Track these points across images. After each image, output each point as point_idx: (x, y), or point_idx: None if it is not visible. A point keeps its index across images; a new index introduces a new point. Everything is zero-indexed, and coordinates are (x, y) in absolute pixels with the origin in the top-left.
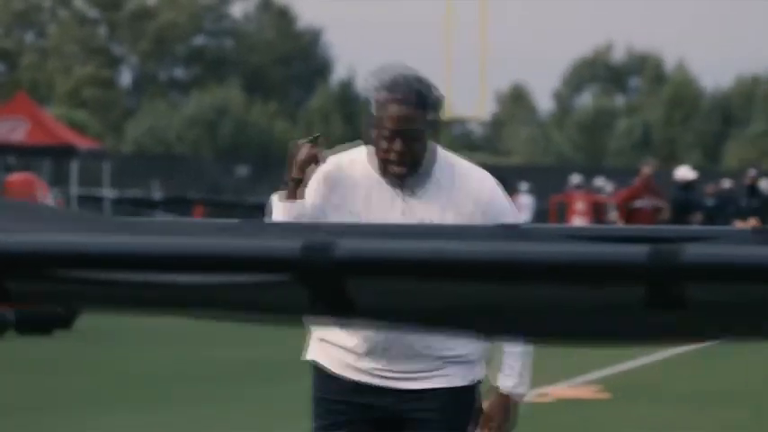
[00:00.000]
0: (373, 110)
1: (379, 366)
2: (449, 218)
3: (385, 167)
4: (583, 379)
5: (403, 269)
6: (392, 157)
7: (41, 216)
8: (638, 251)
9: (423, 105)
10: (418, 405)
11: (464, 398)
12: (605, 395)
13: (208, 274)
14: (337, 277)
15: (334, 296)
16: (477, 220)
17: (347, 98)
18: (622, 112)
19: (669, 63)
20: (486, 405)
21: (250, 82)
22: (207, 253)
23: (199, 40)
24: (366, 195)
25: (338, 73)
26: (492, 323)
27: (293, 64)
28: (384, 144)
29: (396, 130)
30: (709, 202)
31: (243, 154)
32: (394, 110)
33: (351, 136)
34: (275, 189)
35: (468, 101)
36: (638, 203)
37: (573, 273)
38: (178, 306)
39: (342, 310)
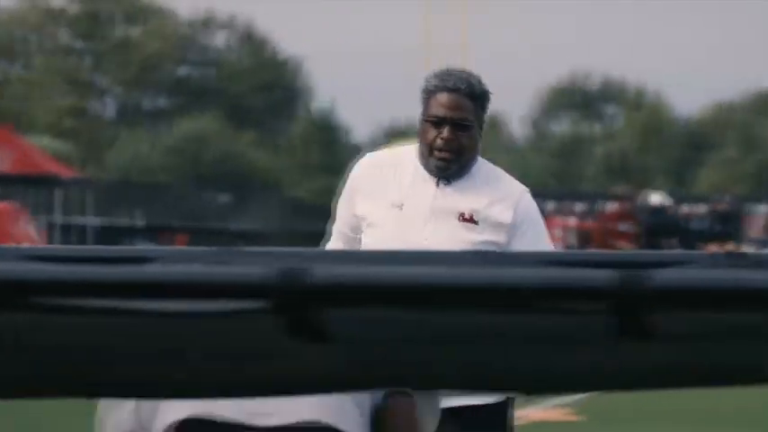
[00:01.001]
0: (423, 102)
1: None
2: (479, 212)
3: (429, 154)
4: (555, 402)
5: (375, 295)
6: (438, 143)
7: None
8: (606, 275)
9: (472, 96)
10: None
11: (492, 416)
12: (579, 417)
13: (185, 301)
14: (312, 304)
15: (309, 323)
16: (506, 225)
17: (327, 127)
18: (598, 138)
19: (644, 90)
20: None
21: (231, 111)
22: (183, 280)
23: (182, 71)
24: (403, 182)
25: (318, 102)
26: (457, 354)
27: (274, 93)
28: (432, 132)
29: (444, 117)
30: (695, 224)
31: (224, 182)
32: (442, 97)
33: (330, 164)
34: (255, 216)
35: None
36: (621, 227)
37: (541, 297)
38: (155, 332)
39: (317, 338)
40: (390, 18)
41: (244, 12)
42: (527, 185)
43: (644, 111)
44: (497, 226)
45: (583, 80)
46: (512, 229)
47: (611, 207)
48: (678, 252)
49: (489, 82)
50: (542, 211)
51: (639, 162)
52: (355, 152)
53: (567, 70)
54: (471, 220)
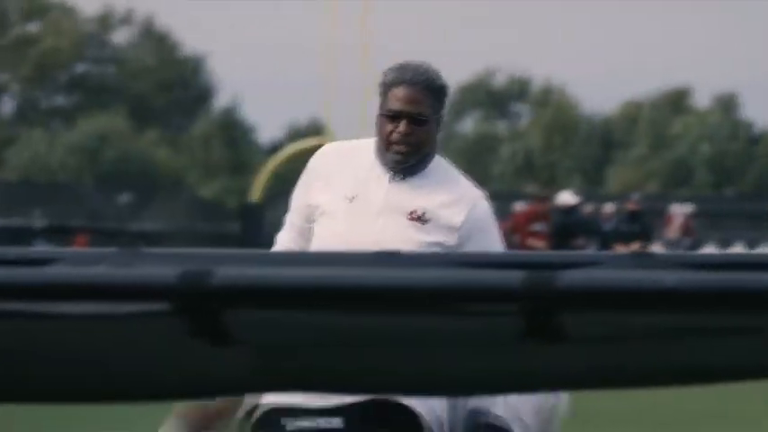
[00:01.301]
0: (381, 96)
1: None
2: (429, 212)
3: (386, 149)
4: None
5: (279, 298)
6: (394, 137)
7: None
8: (514, 276)
9: (430, 90)
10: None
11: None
12: None
13: (84, 303)
14: (215, 306)
15: (212, 327)
16: (456, 229)
17: (230, 125)
18: (505, 137)
19: (550, 88)
20: None
21: (133, 109)
22: (82, 282)
23: (81, 68)
24: (358, 175)
25: (221, 100)
26: (362, 357)
27: (175, 91)
28: (389, 126)
29: (401, 110)
30: (606, 224)
31: (125, 181)
32: (399, 90)
33: (233, 162)
34: (158, 216)
35: (351, 126)
36: (536, 227)
37: (446, 299)
38: (56, 337)
39: (219, 341)
40: (295, 15)
41: (143, 7)
42: None
43: (550, 109)
44: (447, 228)
45: (489, 78)
46: (462, 233)
47: (524, 207)
48: (586, 253)
49: None
50: None
51: (548, 161)
52: (259, 151)
53: (473, 69)
54: (420, 219)
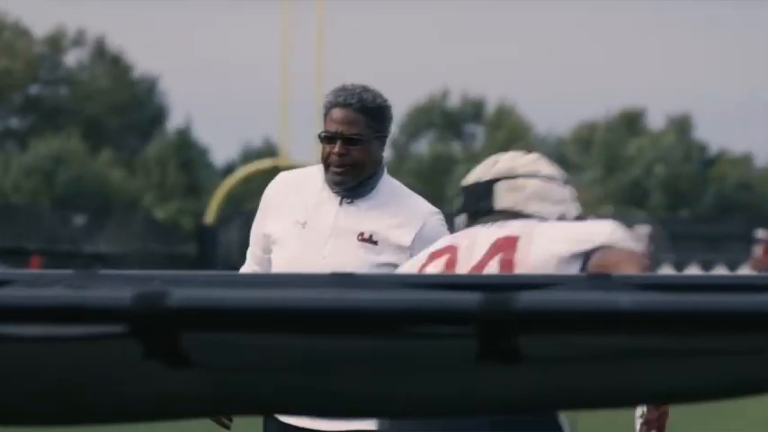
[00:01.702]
0: (323, 120)
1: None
2: (378, 233)
3: (326, 170)
4: None
5: (235, 319)
6: (331, 159)
7: None
8: (470, 298)
9: (364, 110)
10: None
11: None
12: None
13: (39, 325)
14: (171, 328)
15: (168, 348)
16: (406, 248)
17: (184, 145)
18: (460, 158)
19: (504, 108)
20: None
21: (87, 131)
22: (37, 304)
23: (34, 89)
24: (309, 201)
25: (174, 120)
26: (318, 379)
27: (129, 112)
28: (327, 148)
29: (335, 132)
30: None
31: (80, 203)
32: (335, 112)
33: (188, 183)
34: (112, 238)
35: (304, 147)
36: None
37: (402, 320)
38: (10, 357)
39: (176, 362)
40: (248, 35)
41: (95, 27)
42: None
43: (504, 130)
44: (397, 247)
45: (443, 99)
46: (412, 252)
47: None
48: (542, 274)
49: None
50: None
51: None
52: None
53: (427, 90)
54: (370, 241)
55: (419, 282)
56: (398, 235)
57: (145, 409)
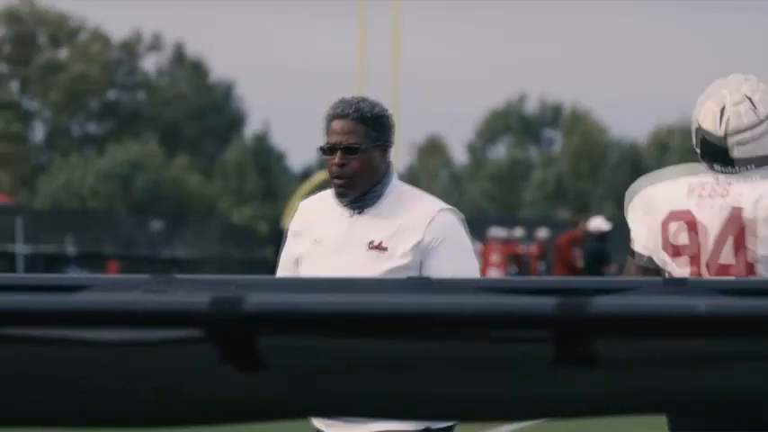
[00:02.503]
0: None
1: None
2: (392, 239)
3: (332, 183)
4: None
5: (310, 323)
6: (333, 170)
7: None
8: (546, 302)
9: (361, 120)
10: None
11: None
12: None
13: (117, 329)
14: (247, 332)
15: (243, 352)
16: (416, 248)
17: (262, 151)
18: (537, 163)
19: (577, 113)
20: None
21: (165, 136)
22: (115, 309)
23: (111, 95)
24: (324, 219)
25: (252, 126)
26: (395, 382)
27: (207, 117)
28: (329, 161)
29: (334, 143)
30: None
31: (157, 208)
32: (334, 124)
33: (266, 188)
34: (190, 243)
35: None
36: (576, 251)
37: (478, 324)
38: (87, 362)
39: (251, 366)
40: (325, 40)
41: (172, 32)
42: (465, 212)
43: (579, 134)
44: (407, 251)
45: (520, 104)
46: (424, 249)
47: (546, 234)
48: (619, 278)
49: (426, 106)
50: (482, 237)
51: (579, 186)
52: (290, 177)
53: (503, 95)
54: (380, 248)
55: (494, 286)
56: (407, 237)
57: (220, 412)
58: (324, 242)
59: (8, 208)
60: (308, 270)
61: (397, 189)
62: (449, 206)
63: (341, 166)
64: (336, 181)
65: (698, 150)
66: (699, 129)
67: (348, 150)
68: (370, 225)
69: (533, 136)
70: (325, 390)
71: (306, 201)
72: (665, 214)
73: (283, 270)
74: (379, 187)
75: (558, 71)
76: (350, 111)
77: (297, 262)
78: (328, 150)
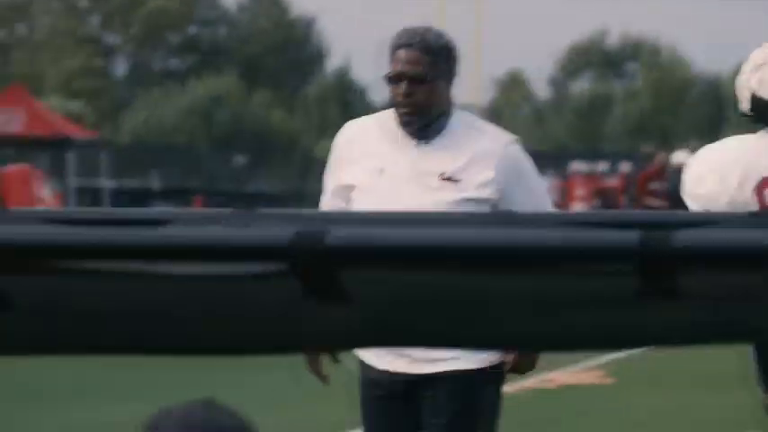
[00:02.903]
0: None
1: (392, 354)
2: (460, 170)
3: (396, 112)
4: (586, 364)
5: (394, 257)
6: (398, 100)
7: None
8: (628, 236)
9: (427, 50)
10: (431, 390)
11: (479, 380)
12: (609, 380)
13: (200, 263)
14: (330, 266)
15: (327, 286)
16: (490, 181)
17: (343, 85)
18: (619, 97)
19: (663, 48)
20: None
21: (246, 71)
22: (196, 243)
23: (192, 30)
24: (384, 147)
25: (334, 60)
26: (480, 314)
27: (288, 52)
28: (394, 90)
29: (400, 72)
30: None
31: (240, 143)
32: (398, 53)
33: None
34: (272, 177)
35: (465, 87)
36: (654, 185)
37: (560, 259)
38: (172, 295)
39: (334, 300)
40: None
41: None
42: (548, 145)
43: (660, 69)
44: (480, 183)
45: (601, 39)
46: (498, 183)
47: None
48: (703, 212)
49: (510, 42)
50: (565, 171)
51: (661, 120)
52: (372, 111)
53: (586, 29)
54: (452, 180)
55: (577, 219)
56: (479, 169)
57: (302, 341)
58: (387, 172)
59: (93, 143)
60: (371, 200)
61: (462, 119)
62: (514, 137)
63: (408, 95)
64: (402, 110)
65: (750, 114)
66: (754, 96)
67: (415, 80)
68: (440, 156)
69: (615, 70)
70: (410, 320)
71: (356, 122)
72: (754, 181)
73: (334, 198)
74: (445, 118)
75: (639, 5)
76: (416, 40)
77: (349, 189)
78: (394, 79)
